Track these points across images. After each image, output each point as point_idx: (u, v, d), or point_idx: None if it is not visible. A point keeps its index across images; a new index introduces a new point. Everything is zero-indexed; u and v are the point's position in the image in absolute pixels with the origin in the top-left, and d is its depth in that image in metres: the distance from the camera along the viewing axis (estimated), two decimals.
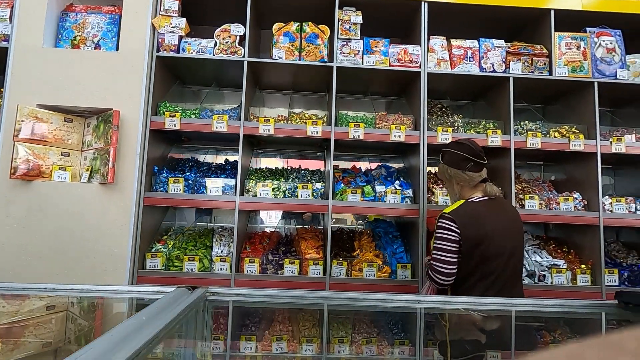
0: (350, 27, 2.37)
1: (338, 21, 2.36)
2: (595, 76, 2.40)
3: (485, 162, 1.70)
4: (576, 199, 2.39)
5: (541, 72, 2.40)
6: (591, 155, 2.37)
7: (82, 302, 0.92)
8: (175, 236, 2.44)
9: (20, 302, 0.99)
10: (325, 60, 2.36)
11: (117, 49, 2.23)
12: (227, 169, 2.57)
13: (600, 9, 2.43)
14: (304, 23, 2.38)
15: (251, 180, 2.34)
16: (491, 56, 2.40)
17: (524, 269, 2.31)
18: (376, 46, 2.38)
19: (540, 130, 2.41)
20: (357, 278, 2.20)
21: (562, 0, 2.42)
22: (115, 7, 2.32)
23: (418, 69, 2.36)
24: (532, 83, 2.46)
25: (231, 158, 2.80)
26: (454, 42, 2.43)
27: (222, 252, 2.27)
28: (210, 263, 2.22)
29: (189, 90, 2.89)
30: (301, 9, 2.51)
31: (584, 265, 2.33)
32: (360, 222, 2.97)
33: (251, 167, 2.72)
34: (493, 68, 2.40)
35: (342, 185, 2.40)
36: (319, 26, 2.39)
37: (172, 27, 2.28)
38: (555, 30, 2.42)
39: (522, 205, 2.35)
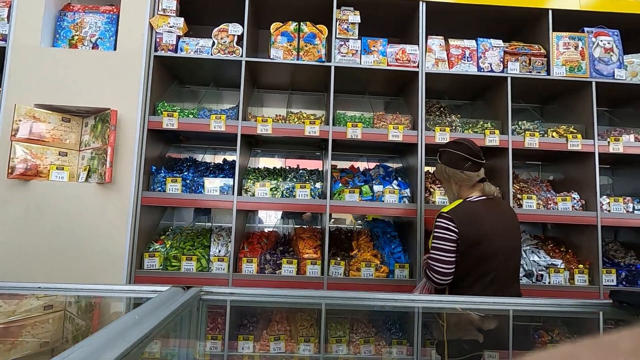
0: (348, 27, 2.37)
1: (336, 21, 2.36)
2: (593, 76, 2.40)
3: (484, 161, 1.70)
4: (574, 198, 2.39)
5: (539, 72, 2.40)
6: (589, 155, 2.37)
7: (75, 302, 0.91)
8: (173, 236, 2.44)
9: (17, 302, 0.99)
10: (323, 60, 2.36)
11: (114, 49, 2.23)
12: (225, 169, 2.57)
13: (598, 9, 2.44)
14: (302, 23, 2.38)
15: (249, 180, 2.34)
16: (489, 56, 2.40)
17: (522, 269, 2.32)
18: (374, 46, 2.38)
19: (538, 130, 2.41)
20: (355, 278, 2.20)
21: (560, 0, 2.42)
22: (113, 7, 2.32)
23: (416, 69, 2.36)
24: (530, 83, 2.47)
25: (229, 158, 2.80)
26: (451, 42, 2.43)
27: (219, 251, 2.27)
28: (208, 263, 2.22)
29: (187, 90, 2.89)
30: (299, 9, 2.51)
31: (581, 265, 2.33)
32: (359, 222, 2.97)
33: (249, 167, 2.72)
34: (491, 68, 2.40)
35: (340, 185, 2.40)
36: (317, 26, 2.39)
37: (169, 26, 2.28)
38: (553, 30, 2.42)
39: (520, 205, 2.35)
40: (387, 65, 2.36)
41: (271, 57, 2.33)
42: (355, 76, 2.51)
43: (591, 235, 2.34)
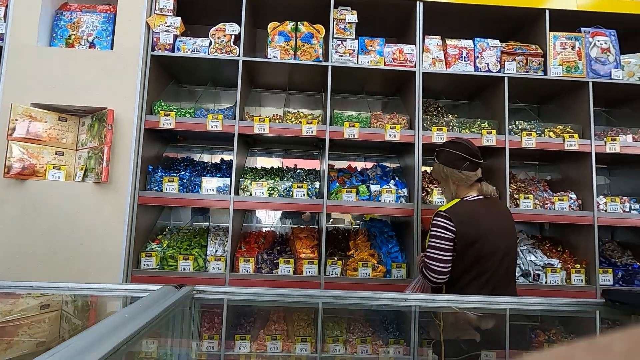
0: (345, 26, 2.37)
1: (333, 21, 2.36)
2: (589, 76, 2.41)
3: (482, 161, 1.71)
4: (571, 198, 2.40)
5: (536, 72, 2.41)
6: (586, 155, 2.37)
7: (68, 301, 0.91)
8: (170, 235, 2.44)
9: (14, 302, 0.99)
10: (321, 59, 2.36)
11: (111, 48, 2.23)
12: (222, 169, 2.57)
13: (595, 9, 2.44)
14: (299, 22, 2.38)
15: (246, 180, 2.34)
16: (486, 56, 2.41)
17: (518, 269, 2.32)
18: (371, 46, 2.38)
19: (535, 130, 2.42)
20: (352, 277, 2.20)
21: (557, 0, 2.42)
22: (110, 6, 2.32)
23: (413, 69, 2.36)
24: (527, 83, 2.47)
25: (227, 157, 2.80)
26: (449, 41, 2.44)
27: (216, 251, 2.27)
28: (204, 262, 2.22)
29: (185, 90, 2.89)
30: (296, 9, 2.51)
31: (578, 265, 2.33)
32: (358, 221, 2.97)
33: (247, 167, 2.72)
34: (488, 68, 2.40)
35: (337, 184, 2.40)
36: (314, 25, 2.39)
37: (167, 26, 2.28)
38: (550, 30, 2.42)
39: (517, 205, 2.35)
40: (384, 65, 2.36)
41: (268, 56, 2.33)
42: (352, 76, 2.51)
43: (588, 235, 2.34)
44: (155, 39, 2.27)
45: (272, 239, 2.57)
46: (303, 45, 2.36)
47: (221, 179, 2.28)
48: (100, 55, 2.19)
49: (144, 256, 2.16)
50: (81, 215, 2.06)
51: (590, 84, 2.39)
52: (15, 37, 2.14)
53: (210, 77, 2.72)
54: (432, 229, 1.64)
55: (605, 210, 2.36)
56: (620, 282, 2.34)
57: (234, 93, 2.31)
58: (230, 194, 2.22)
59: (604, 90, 2.49)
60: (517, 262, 2.32)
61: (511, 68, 2.38)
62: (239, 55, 2.30)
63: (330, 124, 2.31)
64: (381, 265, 2.26)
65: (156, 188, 2.23)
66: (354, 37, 2.37)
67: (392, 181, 2.43)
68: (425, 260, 1.63)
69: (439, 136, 2.30)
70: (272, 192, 2.29)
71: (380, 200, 2.29)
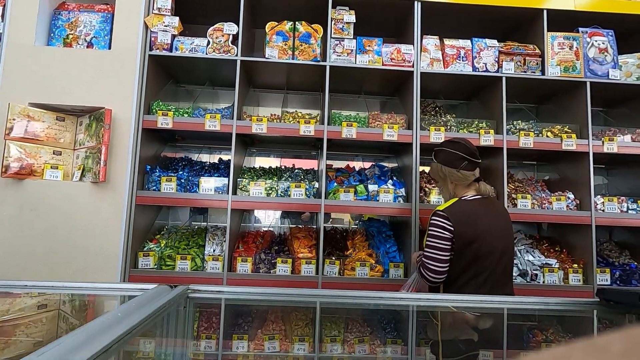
0: (343, 26, 2.37)
1: (331, 20, 2.36)
2: (587, 76, 2.41)
3: (480, 161, 1.71)
4: (569, 198, 2.40)
5: (534, 72, 2.41)
6: (583, 154, 2.38)
7: (61, 299, 0.91)
8: (168, 235, 2.43)
9: (11, 301, 0.99)
10: (319, 59, 2.36)
11: (109, 48, 2.23)
12: (220, 168, 2.57)
13: (593, 9, 2.44)
14: (297, 22, 2.38)
15: (244, 179, 2.34)
16: (484, 56, 2.41)
17: (516, 268, 2.32)
18: (369, 46, 2.38)
19: (532, 130, 2.42)
20: (350, 277, 2.20)
21: (555, 0, 2.42)
22: (108, 6, 2.31)
23: (411, 69, 2.36)
24: (525, 83, 2.47)
25: (225, 157, 2.80)
26: (447, 41, 2.44)
27: (214, 251, 2.27)
28: (202, 262, 2.22)
29: (183, 89, 2.89)
30: (294, 8, 2.51)
31: (576, 265, 2.33)
32: (357, 221, 2.97)
33: (245, 166, 2.72)
34: (486, 68, 2.40)
35: (335, 184, 2.40)
36: (312, 25, 2.39)
37: (164, 25, 2.28)
38: (548, 30, 2.43)
39: (515, 205, 2.35)
40: (382, 65, 2.36)
41: (266, 56, 2.33)
42: (350, 76, 2.51)
43: (585, 235, 2.34)
44: (153, 39, 2.27)
45: (270, 239, 2.57)
46: (301, 45, 2.36)
47: (219, 179, 2.28)
48: (98, 54, 2.19)
49: (142, 256, 2.16)
50: (79, 215, 2.06)
51: (588, 84, 2.39)
52: (13, 36, 2.13)
53: (208, 76, 2.72)
54: (430, 228, 1.64)
55: (603, 210, 2.36)
56: (618, 282, 2.34)
57: (232, 93, 2.31)
58: (228, 193, 2.22)
59: (602, 90, 2.49)
60: (515, 262, 2.32)
61: (509, 68, 2.39)
62: (236, 55, 2.30)
63: (329, 124, 2.31)
64: (379, 265, 2.26)
65: (154, 188, 2.23)
66: (352, 37, 2.37)
67: (390, 181, 2.43)
68: (423, 259, 1.63)
69: (437, 136, 2.30)
70: (270, 192, 2.29)
71: (378, 200, 2.29)
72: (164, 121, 2.22)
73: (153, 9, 2.28)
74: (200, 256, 2.23)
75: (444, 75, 2.42)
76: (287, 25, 2.37)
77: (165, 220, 2.76)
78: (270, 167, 2.82)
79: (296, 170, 2.71)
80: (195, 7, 2.57)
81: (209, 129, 2.22)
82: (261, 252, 2.29)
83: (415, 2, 2.39)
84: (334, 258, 2.25)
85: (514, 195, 2.40)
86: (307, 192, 2.29)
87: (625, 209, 2.38)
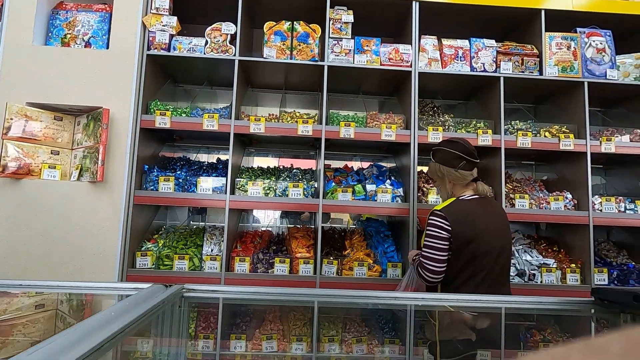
0: (341, 26, 2.37)
1: (329, 20, 2.36)
2: (585, 76, 2.41)
3: (478, 161, 1.71)
4: (566, 198, 2.40)
5: (532, 72, 2.41)
6: (581, 154, 2.38)
7: (55, 299, 0.91)
8: (166, 235, 2.43)
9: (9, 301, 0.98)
10: (317, 59, 2.36)
11: (107, 47, 2.23)
12: (218, 168, 2.57)
13: (591, 10, 2.45)
14: (295, 22, 2.38)
15: (242, 179, 2.34)
16: (482, 56, 2.41)
17: (514, 268, 2.32)
18: (367, 45, 2.38)
19: (530, 130, 2.42)
20: (347, 277, 2.20)
21: (553, 0, 2.43)
22: (106, 5, 2.31)
23: (409, 69, 2.36)
24: (523, 83, 2.47)
25: (223, 157, 2.80)
26: (445, 41, 2.44)
27: (212, 250, 2.27)
28: (200, 262, 2.22)
29: (181, 89, 2.89)
30: (293, 8, 2.51)
31: (573, 265, 2.34)
32: (355, 221, 2.98)
33: (243, 166, 2.72)
34: (484, 68, 2.40)
35: (333, 184, 2.40)
36: (311, 25, 2.39)
37: (162, 25, 2.28)
38: (546, 31, 2.43)
39: (513, 205, 2.35)
40: (380, 65, 2.36)
41: (264, 56, 2.33)
42: (348, 75, 2.51)
43: (583, 235, 2.35)
44: (151, 39, 2.27)
45: (268, 239, 2.57)
46: (299, 45, 2.36)
47: (217, 179, 2.28)
48: (96, 54, 2.19)
49: (140, 256, 2.16)
50: (76, 215, 2.06)
51: (586, 84, 2.39)
52: (11, 36, 2.13)
53: (206, 76, 2.72)
54: (428, 228, 1.64)
55: (601, 210, 2.36)
56: (616, 282, 2.35)
57: (230, 92, 2.31)
58: (226, 193, 2.22)
59: (600, 90, 2.49)
60: (513, 261, 2.33)
61: (507, 68, 2.39)
62: (234, 55, 2.30)
63: (327, 124, 2.32)
64: (377, 265, 2.26)
65: (152, 187, 2.23)
66: (350, 37, 2.38)
67: (388, 181, 2.44)
68: (421, 259, 1.63)
69: (435, 136, 2.30)
70: (268, 191, 2.30)
71: (376, 200, 2.29)
72: (162, 121, 2.22)
73: (151, 8, 2.28)
74: (198, 256, 2.23)
75: (442, 75, 2.42)
76: (285, 25, 2.37)
77: (163, 220, 2.76)
78: (268, 167, 2.82)
79: (294, 170, 2.71)
80: (194, 7, 2.57)
81: (207, 129, 2.22)
82: (259, 252, 2.29)
83: (413, 2, 2.39)
84: (332, 258, 2.25)
85: (512, 195, 2.40)
86: (305, 192, 2.29)
87: (622, 209, 2.38)
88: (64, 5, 2.32)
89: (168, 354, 0.71)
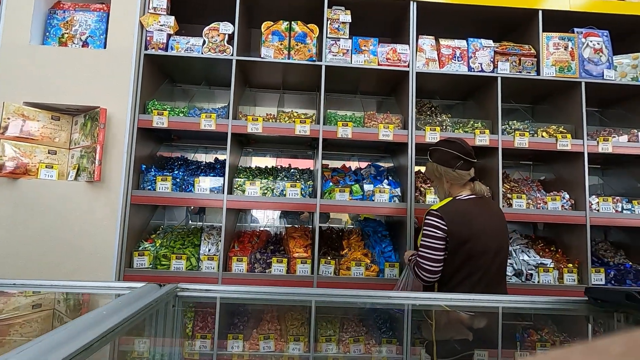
0: (339, 26, 2.38)
1: (327, 20, 2.36)
2: (582, 76, 2.42)
3: (475, 160, 1.71)
4: (564, 198, 2.41)
5: (529, 72, 2.41)
6: (578, 154, 2.38)
7: (48, 298, 0.91)
8: (163, 235, 2.43)
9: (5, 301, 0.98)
10: (314, 59, 2.36)
11: (105, 47, 2.23)
12: (216, 168, 2.57)
13: (588, 10, 2.45)
14: (293, 22, 2.38)
15: (240, 179, 2.34)
16: (479, 56, 2.41)
17: (511, 268, 2.32)
18: (365, 45, 2.38)
19: (528, 130, 2.42)
20: (345, 277, 2.20)
21: (551, 0, 2.43)
22: (104, 5, 2.31)
23: (406, 69, 2.37)
24: (520, 83, 2.48)
25: (221, 157, 2.80)
26: (442, 41, 2.44)
27: (209, 250, 2.27)
28: (197, 262, 2.22)
29: (179, 89, 2.88)
30: (290, 8, 2.51)
31: (571, 265, 2.34)
32: (354, 220, 2.98)
33: (241, 166, 2.72)
34: (481, 68, 2.41)
35: (331, 184, 2.40)
36: (308, 25, 2.39)
37: (160, 25, 2.28)
38: (544, 31, 2.43)
39: (510, 205, 2.36)
40: (378, 65, 2.36)
41: (262, 56, 2.33)
42: (346, 75, 2.51)
43: (580, 235, 2.35)
44: (148, 38, 2.27)
45: (266, 239, 2.57)
46: (297, 45, 2.36)
47: (215, 179, 2.28)
48: (94, 54, 2.19)
49: (137, 255, 2.16)
50: (74, 215, 2.06)
51: (583, 84, 2.40)
52: (8, 35, 2.13)
53: (204, 76, 2.72)
54: (424, 227, 1.65)
55: (598, 210, 2.37)
56: (613, 282, 2.35)
57: (228, 92, 2.31)
58: (223, 193, 2.22)
59: (597, 90, 2.50)
60: (510, 261, 2.33)
61: (504, 68, 2.39)
62: (232, 55, 2.30)
63: (324, 124, 2.32)
64: (374, 265, 2.26)
65: (149, 187, 2.23)
66: (347, 37, 2.38)
67: (385, 181, 2.44)
68: (418, 259, 1.64)
69: (432, 136, 2.30)
70: (266, 191, 2.30)
71: (373, 200, 2.29)
72: (160, 120, 2.21)
73: (149, 8, 2.28)
74: (195, 256, 2.23)
75: (439, 75, 2.43)
76: (283, 25, 2.37)
77: (161, 220, 2.76)
78: (266, 166, 2.82)
79: (292, 170, 2.71)
80: (191, 7, 2.57)
81: (205, 129, 2.22)
82: (257, 252, 2.29)
83: (411, 2, 2.40)
84: (329, 258, 2.25)
85: (509, 195, 2.40)
86: (303, 192, 2.29)
87: (620, 209, 2.39)
88: (61, 5, 2.32)
89: (160, 353, 0.71)
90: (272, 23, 2.38)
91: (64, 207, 2.06)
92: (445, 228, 1.59)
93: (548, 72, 2.40)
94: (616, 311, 0.92)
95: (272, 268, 2.20)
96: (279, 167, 2.83)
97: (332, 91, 2.84)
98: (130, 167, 2.15)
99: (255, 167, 2.80)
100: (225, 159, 2.29)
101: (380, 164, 2.84)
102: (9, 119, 2.03)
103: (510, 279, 2.28)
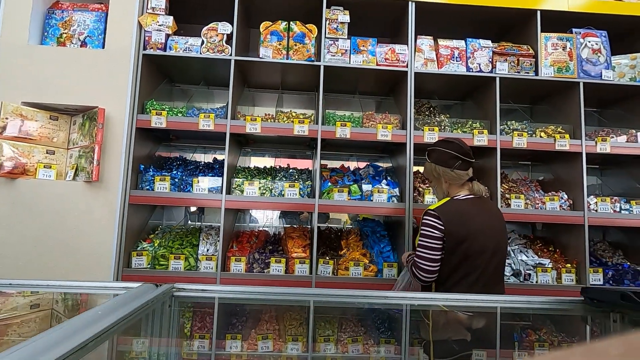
0: (337, 26, 2.38)
1: (326, 20, 2.36)
2: (580, 76, 2.42)
3: (473, 160, 1.71)
4: (562, 198, 2.41)
5: (527, 73, 2.42)
6: (576, 155, 2.38)
7: (46, 298, 0.91)
8: (162, 235, 2.43)
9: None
10: (313, 59, 2.36)
11: (103, 47, 2.23)
12: (215, 168, 2.57)
13: (587, 10, 2.45)
14: (291, 22, 2.38)
15: (238, 179, 2.34)
16: (478, 56, 2.41)
17: (509, 268, 2.33)
18: (363, 46, 2.38)
19: (526, 130, 2.43)
20: (343, 277, 2.20)
21: (549, 1, 2.43)
22: (102, 5, 2.31)
23: (405, 69, 2.37)
24: (519, 83, 2.48)
25: (220, 157, 2.80)
26: (441, 42, 2.44)
27: (208, 250, 2.27)
28: (196, 262, 2.22)
29: (178, 89, 2.88)
30: (289, 8, 2.51)
31: (569, 265, 2.34)
32: (353, 220, 2.98)
33: (239, 166, 2.72)
34: (480, 68, 2.41)
35: (330, 184, 2.40)
36: (307, 25, 2.39)
37: (159, 25, 2.28)
38: (542, 31, 2.44)
39: (509, 205, 2.36)
40: (377, 65, 2.36)
41: (261, 56, 2.33)
42: (344, 76, 2.51)
43: (579, 235, 2.35)
44: (147, 38, 2.27)
45: (264, 239, 2.57)
46: (295, 45, 2.36)
47: (213, 179, 2.28)
48: (92, 54, 2.19)
49: (135, 255, 2.16)
50: (72, 215, 2.06)
51: (581, 85, 2.40)
52: (6, 35, 2.13)
53: (202, 76, 2.72)
54: (422, 228, 1.65)
55: (596, 210, 2.37)
56: (611, 282, 2.35)
57: (227, 92, 2.31)
58: (222, 193, 2.22)
59: (595, 90, 2.50)
60: (508, 261, 2.33)
61: (503, 68, 2.39)
62: (231, 55, 2.30)
63: (323, 124, 2.32)
64: (373, 265, 2.26)
65: (147, 187, 2.23)
66: (346, 37, 2.38)
67: (384, 181, 2.44)
68: (415, 259, 1.64)
69: (431, 136, 2.30)
70: (265, 191, 2.30)
71: (372, 200, 2.29)
72: (158, 120, 2.21)
73: (147, 8, 2.28)
74: (194, 256, 2.23)
75: (438, 76, 2.43)
76: (281, 25, 2.37)
77: (159, 220, 2.76)
78: (264, 166, 2.82)
79: (291, 170, 2.72)
80: (190, 7, 2.57)
81: (203, 129, 2.22)
82: (255, 252, 2.29)
83: (410, 3, 2.40)
84: (327, 258, 2.25)
85: (507, 196, 2.40)
86: (301, 192, 2.29)
87: (618, 209, 2.39)
88: (59, 5, 2.32)
89: (155, 353, 0.71)
90: (270, 23, 2.38)
91: (62, 207, 2.06)
92: (443, 228, 1.59)
93: (546, 72, 2.40)
94: (612, 311, 0.92)
95: (270, 268, 2.20)
96: (277, 167, 2.83)
97: (330, 91, 2.85)
98: (129, 167, 2.15)
99: (254, 167, 2.80)
100: (223, 159, 2.29)
101: (379, 164, 2.84)
102: (7, 119, 2.03)
103: (509, 279, 2.29)
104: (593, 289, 0.99)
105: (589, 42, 2.44)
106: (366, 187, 2.34)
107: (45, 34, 2.26)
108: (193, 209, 2.89)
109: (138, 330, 0.74)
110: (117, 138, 2.14)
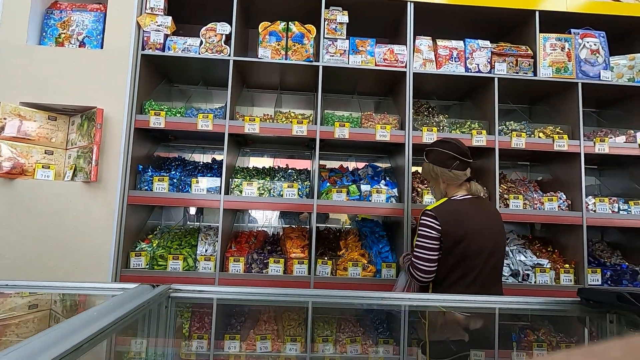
0: (336, 26, 2.38)
1: (324, 21, 2.37)
2: (579, 77, 2.42)
3: (471, 160, 1.71)
4: (560, 198, 2.41)
5: (526, 73, 2.42)
6: (575, 155, 2.39)
7: (43, 299, 0.91)
8: (160, 235, 2.43)
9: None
10: (312, 59, 2.36)
11: (102, 47, 2.23)
12: (213, 168, 2.57)
13: (585, 11, 2.46)
14: (290, 22, 2.38)
15: (237, 179, 2.34)
16: (476, 57, 2.42)
17: (508, 269, 2.33)
18: (362, 46, 2.38)
19: (524, 131, 2.43)
20: (342, 277, 2.20)
21: (548, 1, 2.44)
22: (101, 5, 2.31)
23: (404, 69, 2.37)
24: (517, 84, 2.48)
25: (218, 157, 2.80)
26: (439, 42, 2.44)
27: (206, 251, 2.27)
28: (194, 262, 2.22)
29: (176, 89, 2.88)
30: (288, 9, 2.51)
31: (567, 265, 2.34)
32: (352, 221, 2.98)
33: (238, 166, 2.72)
34: (478, 68, 2.41)
35: (328, 184, 2.40)
36: (306, 26, 2.39)
37: (157, 25, 2.28)
38: (540, 32, 2.44)
39: (507, 205, 2.36)
40: (375, 66, 2.37)
41: (259, 56, 2.33)
42: (343, 76, 2.52)
43: (577, 235, 2.35)
44: (145, 38, 2.27)
45: (263, 239, 2.57)
46: (294, 45, 2.36)
47: (212, 179, 2.28)
48: (90, 54, 2.19)
49: (134, 256, 2.16)
50: (70, 215, 2.05)
51: (580, 85, 2.40)
52: (5, 35, 2.13)
53: (201, 76, 2.72)
54: (419, 228, 1.65)
55: (595, 211, 2.37)
56: (609, 282, 2.36)
57: (226, 93, 2.31)
58: (220, 193, 2.22)
59: (594, 91, 2.50)
60: (507, 262, 2.33)
61: (501, 69, 2.40)
62: (229, 55, 2.30)
63: (322, 124, 2.32)
64: (371, 265, 2.26)
65: (146, 187, 2.23)
66: (345, 38, 2.38)
67: (382, 181, 2.44)
68: (413, 259, 1.64)
69: (430, 136, 2.30)
70: (263, 192, 2.30)
71: (370, 200, 2.29)
72: (156, 121, 2.21)
73: (146, 8, 2.28)
74: (192, 256, 2.23)
75: (436, 76, 2.43)
76: (280, 26, 2.37)
77: (158, 220, 2.76)
78: (263, 167, 2.82)
79: (289, 171, 2.72)
80: (188, 7, 2.57)
81: (202, 129, 2.22)
82: (254, 252, 2.29)
83: (408, 3, 2.40)
84: (326, 258, 2.25)
85: (506, 196, 2.40)
86: (300, 192, 2.29)
87: (616, 210, 2.39)
88: (58, 5, 2.32)
89: (152, 354, 0.71)
90: (269, 23, 2.38)
91: (61, 207, 2.06)
92: (440, 228, 1.59)
93: (545, 72, 2.40)
94: (608, 312, 0.92)
95: (269, 268, 2.20)
96: (276, 167, 2.83)
97: (329, 92, 2.85)
98: (127, 168, 2.15)
99: (253, 167, 2.80)
100: (222, 159, 2.29)
101: (378, 164, 2.85)
102: (5, 119, 2.03)
103: (507, 279, 2.29)
104: (589, 290, 0.99)
105: (588, 42, 2.45)
106: (365, 188, 2.34)
107: (44, 34, 2.26)
108: (192, 210, 2.90)
109: (135, 331, 0.74)
110: (116, 138, 2.13)
